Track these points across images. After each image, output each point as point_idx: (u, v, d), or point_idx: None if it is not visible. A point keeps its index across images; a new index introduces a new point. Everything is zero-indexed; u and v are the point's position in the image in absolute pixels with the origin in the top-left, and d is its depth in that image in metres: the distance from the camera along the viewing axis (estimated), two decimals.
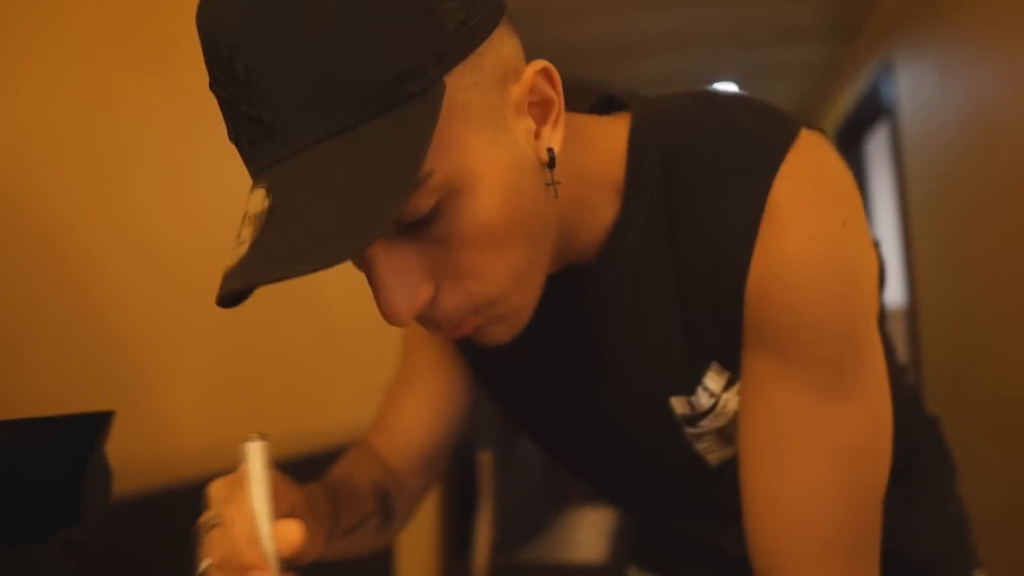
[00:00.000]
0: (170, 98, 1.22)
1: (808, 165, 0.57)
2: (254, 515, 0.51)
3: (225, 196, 1.34)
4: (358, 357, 1.79)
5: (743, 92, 0.66)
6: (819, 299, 0.56)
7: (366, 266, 0.51)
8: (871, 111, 3.46)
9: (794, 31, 3.41)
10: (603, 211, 0.63)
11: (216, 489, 0.56)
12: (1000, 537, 2.05)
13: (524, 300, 0.57)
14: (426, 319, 0.55)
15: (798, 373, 0.58)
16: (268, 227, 0.45)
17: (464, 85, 0.49)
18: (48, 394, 0.95)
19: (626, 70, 3.66)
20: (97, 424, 0.58)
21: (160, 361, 1.16)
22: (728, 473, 0.69)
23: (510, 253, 0.53)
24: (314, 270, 0.41)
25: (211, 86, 0.49)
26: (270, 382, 1.45)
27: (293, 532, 0.51)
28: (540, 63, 0.54)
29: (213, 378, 1.28)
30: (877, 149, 3.82)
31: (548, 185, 0.55)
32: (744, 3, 3.08)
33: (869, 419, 0.60)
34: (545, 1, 2.86)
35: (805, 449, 0.59)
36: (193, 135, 1.27)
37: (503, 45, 0.52)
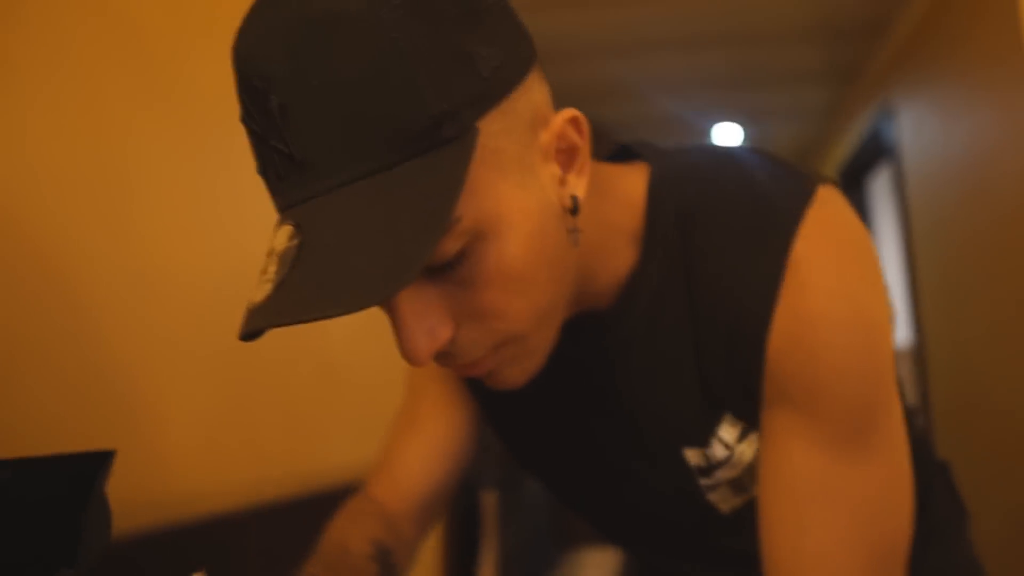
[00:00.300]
0: (173, 128, 1.23)
1: (826, 223, 0.58)
2: None
3: (229, 230, 1.34)
4: (359, 396, 1.79)
5: (756, 147, 0.67)
6: (841, 354, 0.56)
7: (389, 307, 0.51)
8: (873, 153, 3.49)
9: (796, 74, 3.45)
10: (620, 259, 0.64)
11: None
12: None
13: (540, 343, 0.57)
14: (443, 355, 0.55)
15: (818, 428, 0.58)
16: (297, 266, 0.44)
17: (496, 131, 0.49)
18: (46, 430, 0.95)
19: (628, 111, 3.69)
20: (98, 463, 0.58)
21: (160, 398, 1.15)
22: (739, 521, 0.69)
23: (532, 295, 0.53)
24: (345, 313, 0.41)
25: (242, 118, 0.49)
26: (271, 421, 1.44)
27: None
28: (570, 112, 0.55)
29: (213, 416, 1.27)
30: (879, 190, 3.84)
31: (571, 231, 0.56)
32: (746, 46, 3.12)
33: (888, 476, 0.59)
34: (547, 42, 2.90)
35: (824, 506, 0.59)
36: (196, 166, 1.28)
37: (534, 91, 0.53)
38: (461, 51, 0.46)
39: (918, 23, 2.82)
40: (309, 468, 1.52)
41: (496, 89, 0.49)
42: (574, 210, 0.55)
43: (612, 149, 0.71)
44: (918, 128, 2.90)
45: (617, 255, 0.64)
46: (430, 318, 0.51)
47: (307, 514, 1.39)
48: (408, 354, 0.51)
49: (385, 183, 0.45)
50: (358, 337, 1.80)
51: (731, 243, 0.59)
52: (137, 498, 1.06)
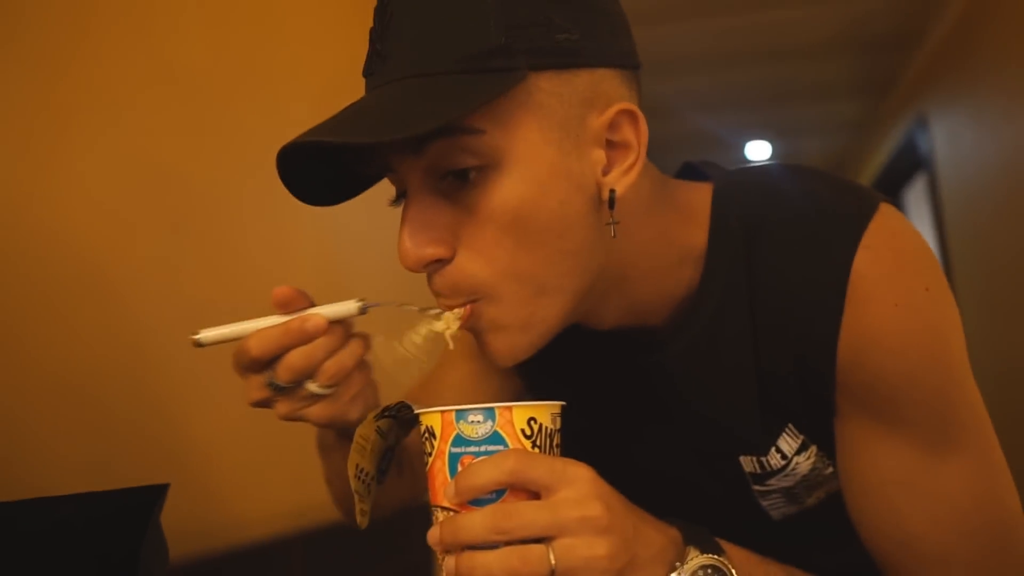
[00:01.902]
0: (221, 168, 1.28)
1: (888, 235, 0.58)
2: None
3: (277, 266, 1.38)
4: None
5: (816, 168, 0.68)
6: (911, 362, 0.57)
7: (404, 206, 0.57)
8: (907, 165, 3.46)
9: (828, 88, 3.43)
10: (680, 274, 0.64)
11: None
12: None
13: (528, 317, 0.57)
14: (430, 282, 0.58)
15: (901, 432, 0.59)
16: (337, 116, 0.53)
17: (547, 88, 0.53)
18: (103, 465, 0.99)
19: (659, 129, 3.63)
20: (153, 496, 0.60)
21: (209, 431, 1.19)
22: (788, 528, 0.70)
23: (530, 253, 0.55)
24: (345, 143, 0.51)
25: (370, 30, 0.57)
26: (313, 450, 1.47)
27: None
28: (626, 104, 0.57)
29: (259, 447, 1.30)
30: (914, 203, 3.79)
31: (607, 224, 0.57)
32: (778, 62, 3.12)
33: (982, 470, 0.60)
34: None
35: (923, 505, 0.59)
36: (245, 205, 1.32)
37: (606, 82, 0.56)
38: (544, 15, 0.53)
39: (950, 33, 2.80)
40: None
41: (561, 56, 0.53)
42: (611, 203, 0.56)
43: (677, 168, 0.73)
44: (953, 139, 2.87)
45: (678, 269, 0.64)
46: (434, 231, 0.55)
47: (348, 539, 1.42)
48: (401, 253, 0.55)
49: (431, 82, 0.52)
50: (399, 371, 1.83)
51: (795, 256, 0.60)
52: (189, 527, 1.09)
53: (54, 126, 0.99)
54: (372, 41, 0.56)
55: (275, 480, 1.32)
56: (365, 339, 0.61)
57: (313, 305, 0.58)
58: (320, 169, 0.58)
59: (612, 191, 0.56)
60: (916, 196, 3.74)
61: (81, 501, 0.58)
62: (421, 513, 0.87)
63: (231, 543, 1.14)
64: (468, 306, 0.56)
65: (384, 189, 0.62)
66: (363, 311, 0.58)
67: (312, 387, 0.58)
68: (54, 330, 0.96)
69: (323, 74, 1.61)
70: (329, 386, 0.58)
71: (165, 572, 0.60)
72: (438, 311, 0.58)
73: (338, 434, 0.69)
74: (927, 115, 3.12)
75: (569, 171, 0.55)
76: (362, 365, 0.61)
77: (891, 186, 3.69)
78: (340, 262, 1.64)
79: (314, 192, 0.59)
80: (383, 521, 0.87)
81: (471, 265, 0.55)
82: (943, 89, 2.94)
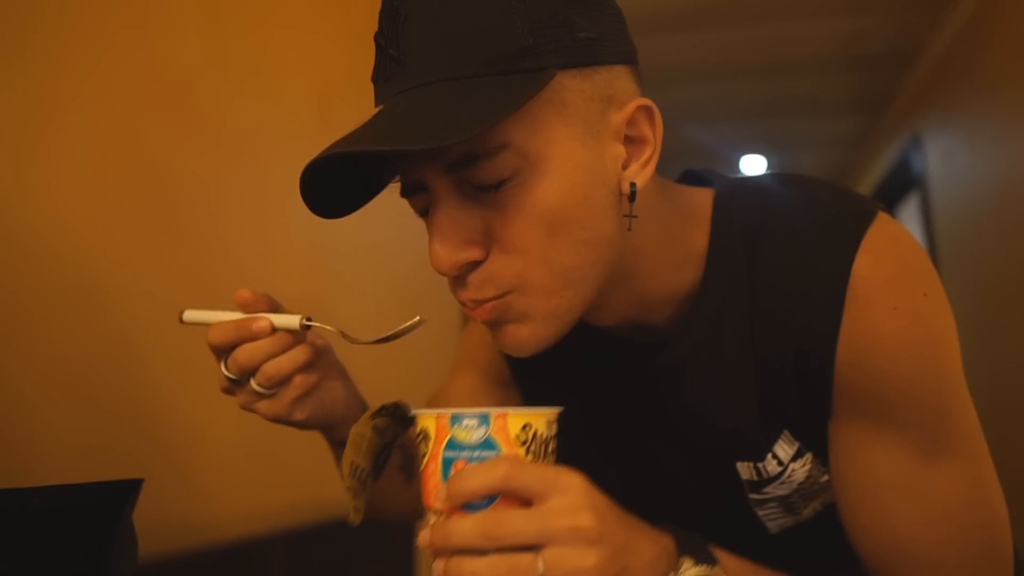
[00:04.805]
0: (214, 166, 1.27)
1: (888, 240, 0.59)
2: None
3: (264, 264, 1.38)
4: None
5: (816, 177, 0.69)
6: (908, 366, 0.57)
7: (431, 214, 0.56)
8: (901, 183, 3.47)
9: (824, 104, 3.45)
10: (683, 273, 0.65)
11: None
12: None
13: (554, 308, 0.58)
14: (460, 279, 0.58)
15: (895, 436, 0.59)
16: (366, 126, 0.53)
17: (571, 86, 0.54)
18: (78, 457, 0.98)
19: None
20: (126, 492, 0.60)
21: (188, 427, 1.18)
22: (785, 543, 0.70)
23: (559, 244, 0.55)
24: (375, 153, 0.51)
25: (375, 35, 0.57)
26: (295, 448, 1.46)
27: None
28: (644, 100, 0.58)
29: (239, 444, 1.30)
30: (907, 220, 3.81)
31: (625, 216, 0.58)
32: (775, 77, 3.13)
33: (973, 474, 0.60)
34: None
35: (916, 508, 0.59)
36: (235, 203, 1.32)
37: (621, 79, 0.58)
38: (564, 15, 0.54)
39: (946, 53, 2.82)
40: (331, 495, 1.53)
41: (583, 55, 0.54)
42: (631, 196, 0.58)
43: (680, 174, 0.74)
44: (946, 158, 2.88)
45: (680, 268, 0.65)
46: (465, 234, 0.56)
47: (329, 539, 1.41)
48: (435, 260, 0.55)
49: (460, 87, 0.51)
50: (383, 368, 1.83)
51: (795, 259, 0.61)
52: (167, 523, 1.08)
53: (43, 118, 0.98)
54: (382, 46, 0.56)
55: (258, 479, 1.31)
56: (316, 350, 0.66)
57: (275, 311, 0.64)
58: (336, 181, 0.58)
59: (633, 184, 0.58)
60: (909, 214, 3.76)
61: (52, 493, 0.57)
62: None
63: (212, 541, 1.14)
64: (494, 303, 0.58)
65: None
66: (305, 327, 0.63)
67: (254, 384, 0.63)
68: (38, 322, 0.95)
69: (316, 71, 1.61)
70: (266, 386, 0.63)
71: (134, 568, 0.60)
72: (381, 340, 0.63)
73: (328, 439, 0.73)
74: (921, 134, 3.13)
75: (593, 167, 0.56)
76: (309, 371, 0.65)
77: (884, 203, 3.65)
78: (328, 256, 1.63)
79: (330, 203, 0.59)
80: (367, 522, 0.87)
81: (506, 261, 0.56)
82: (937, 109, 2.96)
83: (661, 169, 0.75)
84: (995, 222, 2.46)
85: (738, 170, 4.06)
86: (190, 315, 0.66)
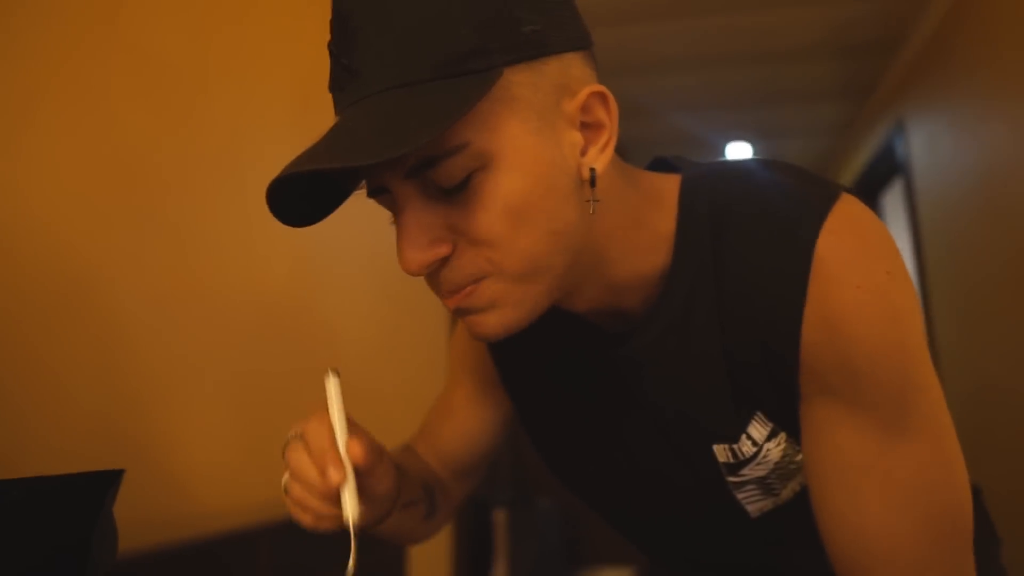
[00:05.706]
0: (192, 156, 1.26)
1: (851, 220, 0.60)
2: (333, 425, 0.61)
3: (246, 255, 1.37)
4: (373, 419, 1.80)
5: (781, 160, 0.70)
6: (873, 345, 0.58)
7: (397, 219, 0.58)
8: (885, 169, 3.49)
9: (809, 92, 3.46)
10: (651, 258, 0.66)
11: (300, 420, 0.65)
12: None
13: (525, 296, 0.59)
14: (432, 276, 0.59)
15: (861, 414, 0.60)
16: (323, 139, 0.54)
17: (522, 81, 0.55)
18: (60, 449, 0.97)
19: (642, 129, 3.71)
20: (107, 483, 0.59)
21: (172, 418, 1.18)
22: (765, 527, 0.71)
23: (528, 234, 0.56)
24: (329, 170, 0.53)
25: (328, 44, 0.58)
26: (281, 440, 1.46)
27: (364, 443, 0.61)
28: (596, 86, 0.59)
29: (224, 435, 1.29)
30: (892, 207, 3.83)
31: (587, 201, 0.59)
32: (760, 64, 3.14)
33: (936, 452, 0.61)
34: None
35: (879, 485, 0.60)
36: (215, 194, 1.31)
37: (573, 66, 0.59)
38: (508, 11, 0.54)
39: (930, 40, 2.83)
40: None
41: (531, 48, 0.55)
42: (592, 182, 0.59)
43: (649, 161, 0.75)
44: (930, 144, 2.90)
45: (648, 253, 0.66)
46: (431, 233, 0.57)
47: (316, 533, 1.40)
48: (404, 262, 0.56)
49: (413, 92, 0.52)
50: (371, 358, 1.82)
51: (760, 240, 0.62)
52: (150, 516, 1.08)
53: (19, 110, 0.97)
54: (335, 56, 0.56)
55: (241, 471, 1.31)
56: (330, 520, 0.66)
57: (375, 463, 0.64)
58: (303, 191, 0.59)
59: (592, 170, 0.59)
60: (894, 199, 3.78)
61: (31, 485, 0.57)
62: None
63: (193, 535, 1.13)
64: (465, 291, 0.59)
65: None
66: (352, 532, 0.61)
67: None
68: (19, 317, 0.94)
69: (296, 66, 1.60)
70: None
71: (114, 559, 0.59)
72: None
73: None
74: (905, 120, 3.14)
75: (552, 157, 0.57)
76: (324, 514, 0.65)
77: (869, 189, 3.73)
78: (311, 252, 1.63)
79: (296, 212, 0.60)
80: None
81: (475, 251, 0.57)
82: (920, 94, 2.97)
83: (647, 157, 0.76)
84: (979, 208, 2.48)
85: (724, 157, 4.07)
86: (331, 385, 0.66)
